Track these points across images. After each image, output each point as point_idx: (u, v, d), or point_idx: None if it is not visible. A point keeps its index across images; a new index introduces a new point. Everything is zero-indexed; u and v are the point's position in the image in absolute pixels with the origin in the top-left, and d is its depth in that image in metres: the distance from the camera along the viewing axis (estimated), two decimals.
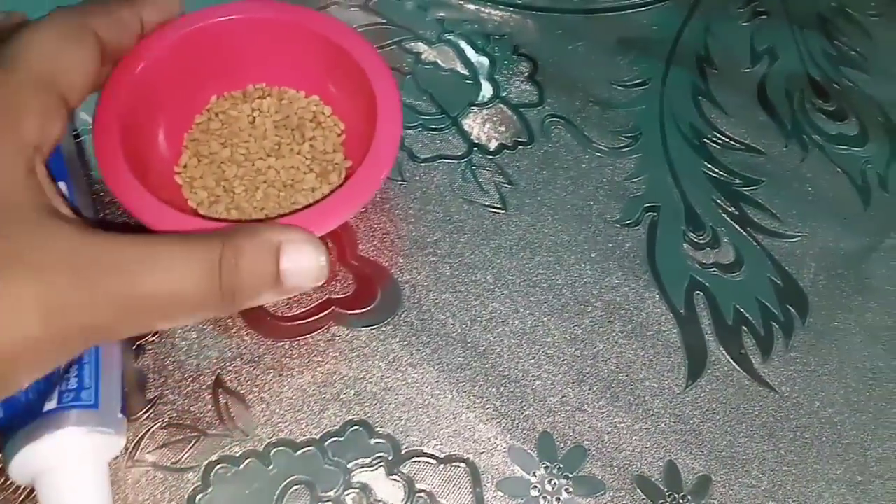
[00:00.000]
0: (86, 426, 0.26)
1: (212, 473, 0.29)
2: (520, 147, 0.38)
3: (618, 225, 0.36)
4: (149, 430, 0.30)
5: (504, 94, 0.39)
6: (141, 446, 0.30)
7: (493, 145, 0.38)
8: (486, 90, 0.39)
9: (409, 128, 0.38)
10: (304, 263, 0.24)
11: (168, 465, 0.29)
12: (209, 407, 0.31)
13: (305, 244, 0.25)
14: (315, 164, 0.33)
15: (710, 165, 0.38)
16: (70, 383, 0.27)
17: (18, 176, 0.23)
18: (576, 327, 0.33)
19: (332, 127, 0.34)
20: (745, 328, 0.34)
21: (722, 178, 0.37)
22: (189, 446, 0.30)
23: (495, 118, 0.39)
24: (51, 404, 0.26)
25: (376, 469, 0.30)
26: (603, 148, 0.38)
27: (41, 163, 0.24)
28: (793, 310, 0.34)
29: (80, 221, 0.23)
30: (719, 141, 0.39)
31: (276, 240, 0.24)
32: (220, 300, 0.23)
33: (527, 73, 0.40)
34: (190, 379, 0.31)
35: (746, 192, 0.37)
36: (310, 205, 0.30)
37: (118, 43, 0.28)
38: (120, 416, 0.28)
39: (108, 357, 0.28)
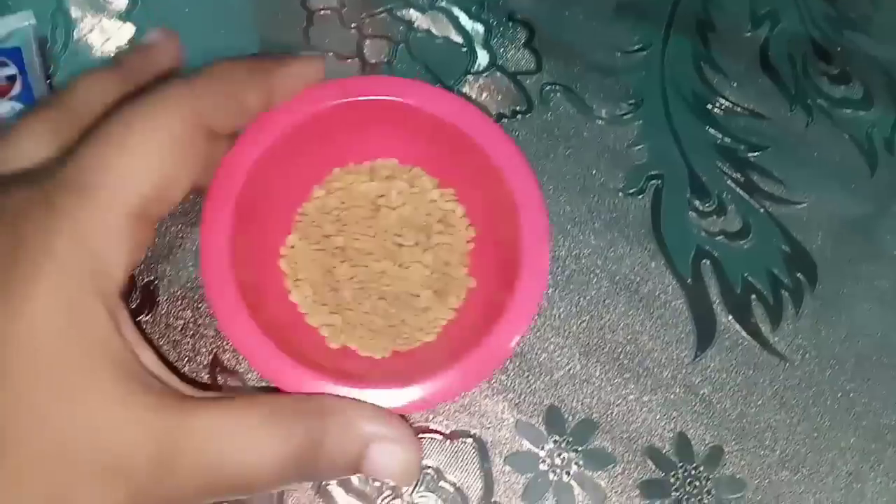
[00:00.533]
0: None
1: None
2: (518, 116, 0.37)
3: (621, 194, 0.35)
4: None
5: (500, 62, 0.38)
6: None
7: (491, 114, 0.37)
8: (482, 58, 0.38)
9: None
10: (390, 466, 0.23)
11: None
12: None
13: (395, 445, 0.23)
14: (434, 277, 0.30)
15: (713, 131, 0.37)
16: None
17: (98, 331, 0.20)
18: (581, 299, 0.33)
19: (461, 233, 0.30)
20: (753, 297, 0.33)
21: (726, 145, 0.37)
22: None
23: (492, 87, 0.37)
24: None
25: None
26: (604, 116, 0.37)
27: (120, 298, 0.21)
28: (802, 277, 0.34)
29: (157, 386, 0.21)
30: (723, 106, 0.38)
31: (366, 431, 0.22)
32: (299, 478, 0.22)
33: (523, 40, 0.39)
34: (186, 359, 0.30)
35: (752, 159, 0.36)
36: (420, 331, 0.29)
37: (233, 129, 0.25)
38: None
39: None
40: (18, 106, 0.32)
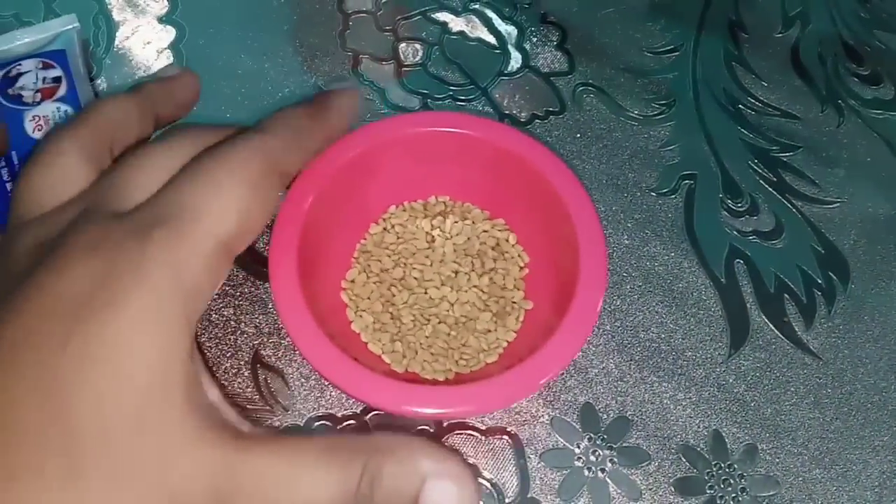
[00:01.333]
0: None
1: None
2: (551, 117, 0.37)
3: (654, 194, 0.35)
4: None
5: (533, 64, 0.39)
6: None
7: (524, 116, 0.37)
8: (515, 59, 0.39)
9: (438, 99, 0.37)
10: (446, 503, 0.22)
11: None
12: (248, 383, 0.30)
13: (451, 482, 0.22)
14: (492, 301, 0.31)
15: (745, 132, 0.37)
16: None
17: (178, 358, 0.20)
18: (615, 298, 0.33)
19: (515, 259, 0.31)
20: (786, 296, 0.33)
21: (758, 145, 0.37)
22: None
23: (525, 88, 0.38)
24: None
25: None
26: (636, 116, 0.37)
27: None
28: (834, 276, 0.34)
29: (219, 421, 0.21)
30: (754, 107, 0.38)
31: (423, 468, 0.22)
32: None
33: (556, 42, 0.39)
34: (228, 355, 0.31)
35: (784, 159, 0.37)
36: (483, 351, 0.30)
37: (299, 169, 0.27)
38: None
39: None
40: (63, 107, 0.33)
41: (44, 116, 0.33)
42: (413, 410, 0.25)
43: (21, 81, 0.33)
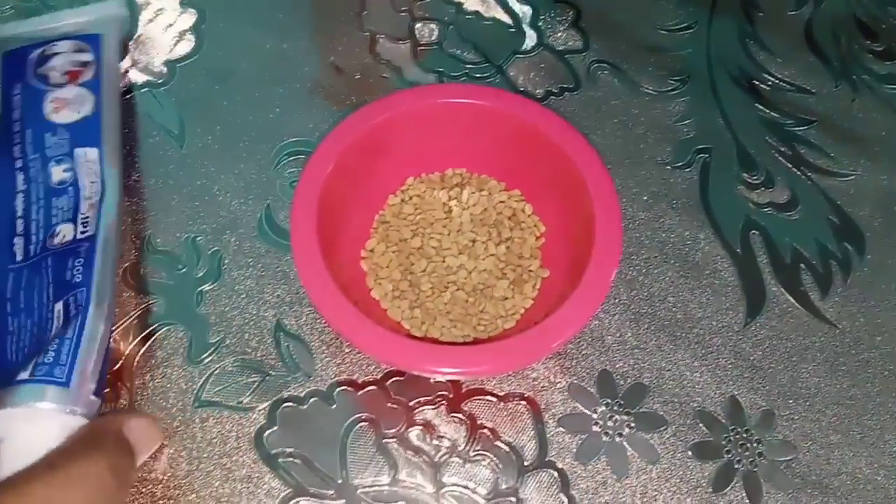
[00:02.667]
0: (55, 404, 0.25)
1: (277, 411, 0.30)
2: (566, 93, 0.38)
3: (669, 167, 0.36)
4: (212, 372, 0.30)
5: (548, 42, 0.39)
6: (206, 388, 0.30)
7: (539, 92, 0.38)
8: (530, 38, 0.39)
9: (454, 77, 0.38)
10: None
11: (234, 404, 0.30)
12: (271, 350, 0.31)
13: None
14: (509, 269, 0.31)
15: (760, 107, 0.37)
16: (47, 356, 0.26)
17: None
18: (631, 269, 0.33)
19: (531, 228, 0.32)
20: (802, 266, 0.34)
21: (773, 119, 0.37)
22: (253, 388, 0.30)
23: (540, 65, 0.38)
24: (24, 374, 0.26)
25: (438, 407, 0.30)
26: (651, 91, 0.38)
27: None
28: (850, 247, 0.34)
29: None
30: (768, 82, 0.38)
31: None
32: None
33: (570, 20, 0.40)
34: (251, 323, 0.31)
35: (798, 133, 0.37)
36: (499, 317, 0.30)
37: None
38: (93, 398, 0.27)
39: (91, 336, 0.27)
40: (84, 92, 0.33)
41: (64, 99, 0.33)
42: (433, 369, 0.25)
43: (53, 62, 0.34)
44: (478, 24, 0.40)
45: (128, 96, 0.37)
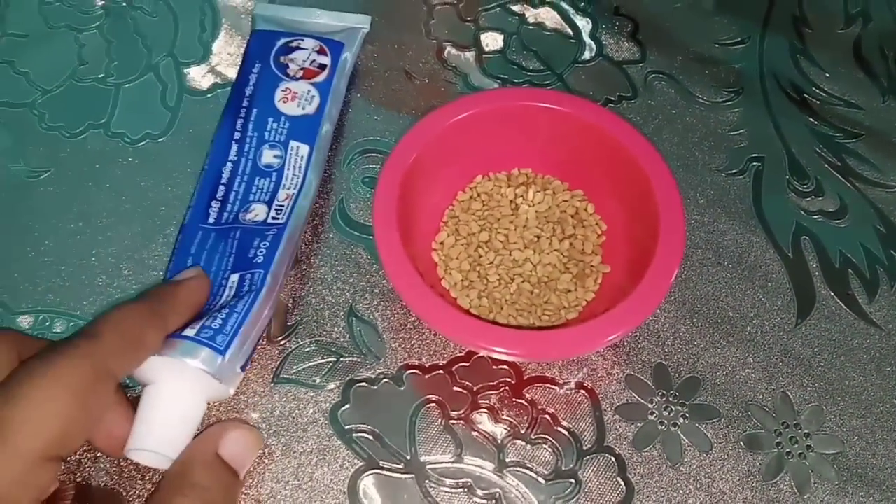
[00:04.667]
0: (205, 366, 0.27)
1: (351, 391, 0.31)
2: (624, 101, 0.39)
3: (723, 174, 0.37)
4: (290, 352, 0.32)
5: (607, 52, 0.41)
6: (284, 366, 0.32)
7: (598, 100, 0.39)
8: (589, 48, 0.41)
9: (516, 83, 0.40)
10: None
11: (310, 382, 0.32)
12: (344, 334, 0.33)
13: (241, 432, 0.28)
14: (572, 264, 0.33)
15: (810, 119, 0.39)
16: (214, 322, 0.28)
17: None
18: (686, 269, 0.35)
19: (593, 226, 0.34)
20: (850, 271, 0.35)
21: (823, 131, 0.39)
22: (327, 368, 0.32)
23: (599, 74, 0.40)
24: (191, 331, 0.27)
25: (501, 392, 0.32)
26: (705, 102, 0.39)
27: None
28: None
29: None
30: (819, 97, 0.40)
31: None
32: None
33: (628, 32, 0.42)
34: (326, 309, 0.33)
35: (848, 145, 0.38)
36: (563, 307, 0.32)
37: (135, 368, 0.26)
38: (238, 370, 0.28)
39: (255, 317, 0.29)
40: (314, 91, 0.36)
41: (294, 92, 0.35)
42: (494, 349, 0.27)
43: (294, 55, 0.36)
44: (539, 34, 0.42)
45: None
